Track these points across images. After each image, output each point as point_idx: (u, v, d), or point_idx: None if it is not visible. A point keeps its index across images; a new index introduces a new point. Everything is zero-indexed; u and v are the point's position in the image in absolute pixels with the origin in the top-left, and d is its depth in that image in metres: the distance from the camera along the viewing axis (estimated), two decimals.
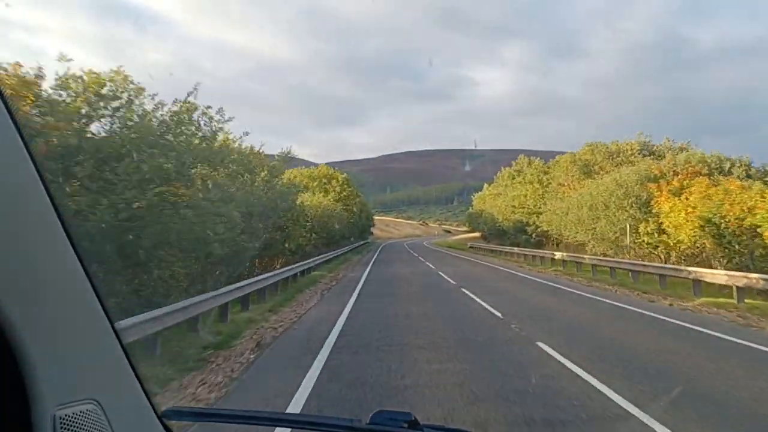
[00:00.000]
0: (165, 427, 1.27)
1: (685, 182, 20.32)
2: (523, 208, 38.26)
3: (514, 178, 46.67)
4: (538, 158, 46.29)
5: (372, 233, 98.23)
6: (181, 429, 3.66)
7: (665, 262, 19.27)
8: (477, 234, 69.35)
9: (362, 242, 66.25)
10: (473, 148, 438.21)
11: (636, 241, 21.53)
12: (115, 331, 1.13)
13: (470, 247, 47.42)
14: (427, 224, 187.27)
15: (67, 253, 0.99)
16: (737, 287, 12.59)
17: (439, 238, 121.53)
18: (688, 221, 17.53)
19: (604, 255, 23.37)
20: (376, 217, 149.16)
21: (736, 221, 15.42)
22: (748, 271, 13.71)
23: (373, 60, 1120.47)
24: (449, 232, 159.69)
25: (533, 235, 35.49)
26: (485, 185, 62.60)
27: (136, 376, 1.19)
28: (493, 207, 47.69)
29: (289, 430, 3.17)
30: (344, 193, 45.02)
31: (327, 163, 65.36)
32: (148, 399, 1.23)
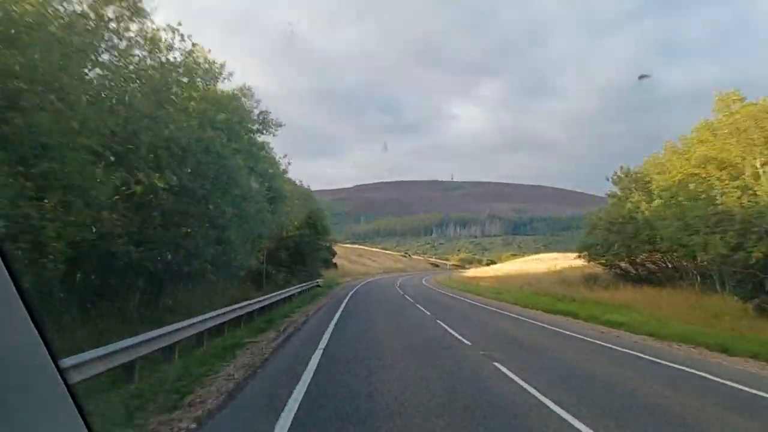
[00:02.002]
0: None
1: None
2: None
3: None
4: None
5: (335, 265, 60.66)
6: None
7: None
8: (582, 261, 32.89)
9: (301, 288, 29.46)
10: (450, 180, 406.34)
11: None
12: None
13: None
14: (409, 256, 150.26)
15: None
16: None
17: (441, 272, 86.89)
18: None
19: None
20: (346, 246, 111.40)
21: None
22: None
23: (350, 93, 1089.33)
24: (437, 266, 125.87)
25: None
26: (703, 120, 22.61)
27: None
28: None
29: None
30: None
31: None
32: None
